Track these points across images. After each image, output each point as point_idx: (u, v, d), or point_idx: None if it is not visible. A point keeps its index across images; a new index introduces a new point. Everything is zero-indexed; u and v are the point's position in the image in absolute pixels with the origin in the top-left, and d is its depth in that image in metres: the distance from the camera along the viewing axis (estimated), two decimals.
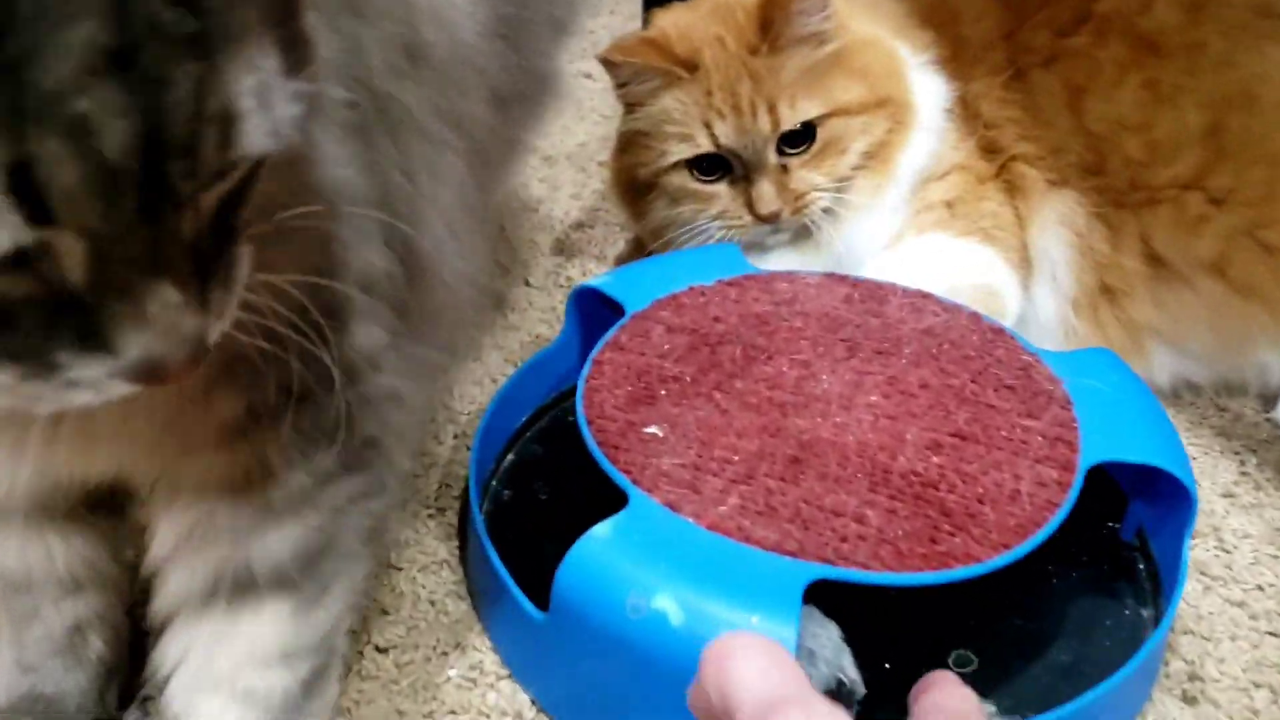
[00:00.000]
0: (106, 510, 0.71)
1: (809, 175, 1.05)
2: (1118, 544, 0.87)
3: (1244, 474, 1.02)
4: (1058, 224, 1.07)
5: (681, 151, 1.04)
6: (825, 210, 1.06)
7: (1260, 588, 0.91)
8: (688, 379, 0.85)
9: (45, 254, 0.41)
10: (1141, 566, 0.86)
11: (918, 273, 1.01)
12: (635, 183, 1.10)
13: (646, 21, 1.47)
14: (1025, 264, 1.08)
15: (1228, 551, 0.94)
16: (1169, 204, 1.02)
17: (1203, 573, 0.92)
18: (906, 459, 0.78)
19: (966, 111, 1.10)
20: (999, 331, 0.91)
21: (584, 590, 0.72)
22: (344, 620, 0.71)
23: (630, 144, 1.10)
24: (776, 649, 0.53)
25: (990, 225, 1.07)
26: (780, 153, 1.04)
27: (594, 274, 1.21)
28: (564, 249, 1.25)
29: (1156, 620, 0.81)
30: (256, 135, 0.43)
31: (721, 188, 1.06)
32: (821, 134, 1.04)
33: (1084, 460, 0.79)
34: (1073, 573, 0.85)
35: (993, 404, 0.83)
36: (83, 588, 0.72)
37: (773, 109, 1.02)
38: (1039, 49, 1.07)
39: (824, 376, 0.85)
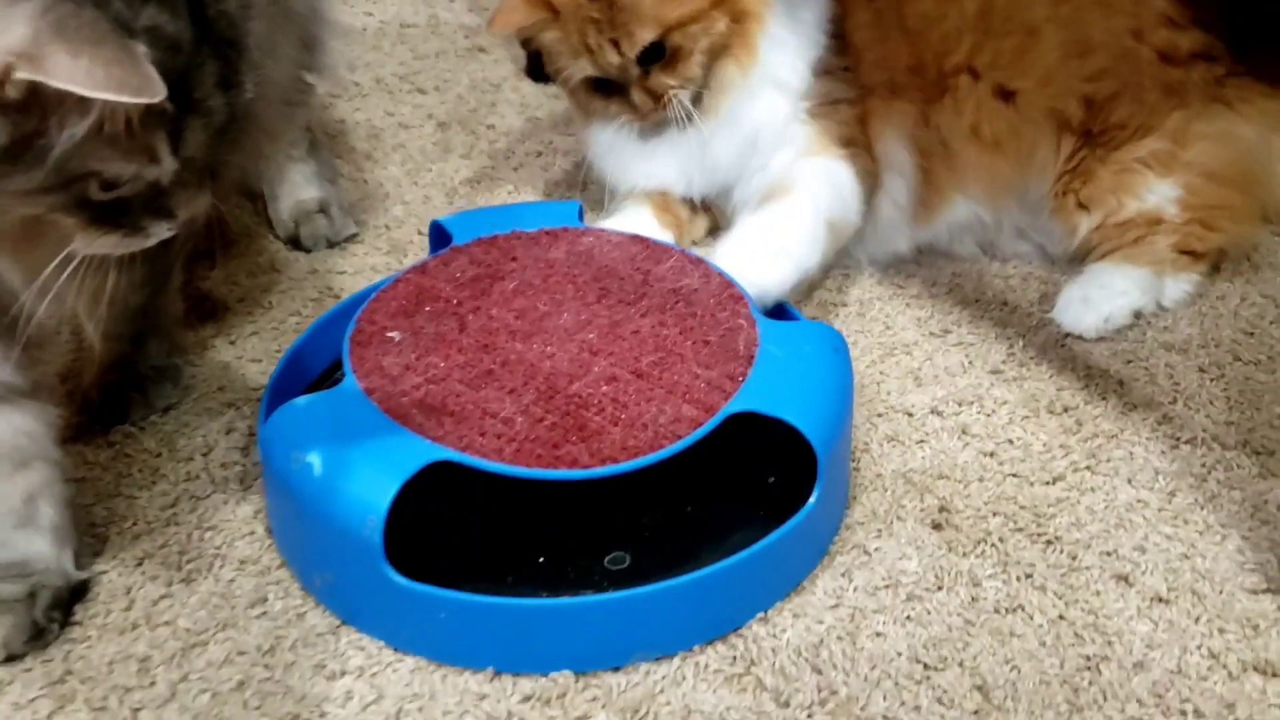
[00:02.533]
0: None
1: (664, 79, 1.23)
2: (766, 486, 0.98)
3: (1011, 354, 1.20)
4: (895, 130, 1.27)
5: (575, 73, 1.24)
6: (695, 101, 1.24)
7: (1010, 441, 1.08)
8: (455, 301, 1.03)
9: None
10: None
11: (813, 181, 1.22)
12: (564, 82, 1.28)
13: None
14: (873, 178, 1.28)
15: (988, 415, 1.11)
16: (950, 91, 1.26)
17: (964, 432, 1.09)
18: (580, 384, 0.93)
19: (847, 41, 1.28)
20: (739, 300, 1.02)
21: (273, 443, 0.91)
22: None
23: (552, 55, 1.26)
24: None
25: (853, 151, 1.26)
26: (642, 66, 1.21)
27: None
28: (454, 202, 1.43)
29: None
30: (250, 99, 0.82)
31: (615, 94, 1.25)
32: (668, 46, 1.21)
33: (728, 408, 0.91)
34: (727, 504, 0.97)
35: (682, 353, 0.96)
36: (28, 463, 0.91)
37: (615, 43, 1.20)
38: None
39: (565, 315, 1.01)
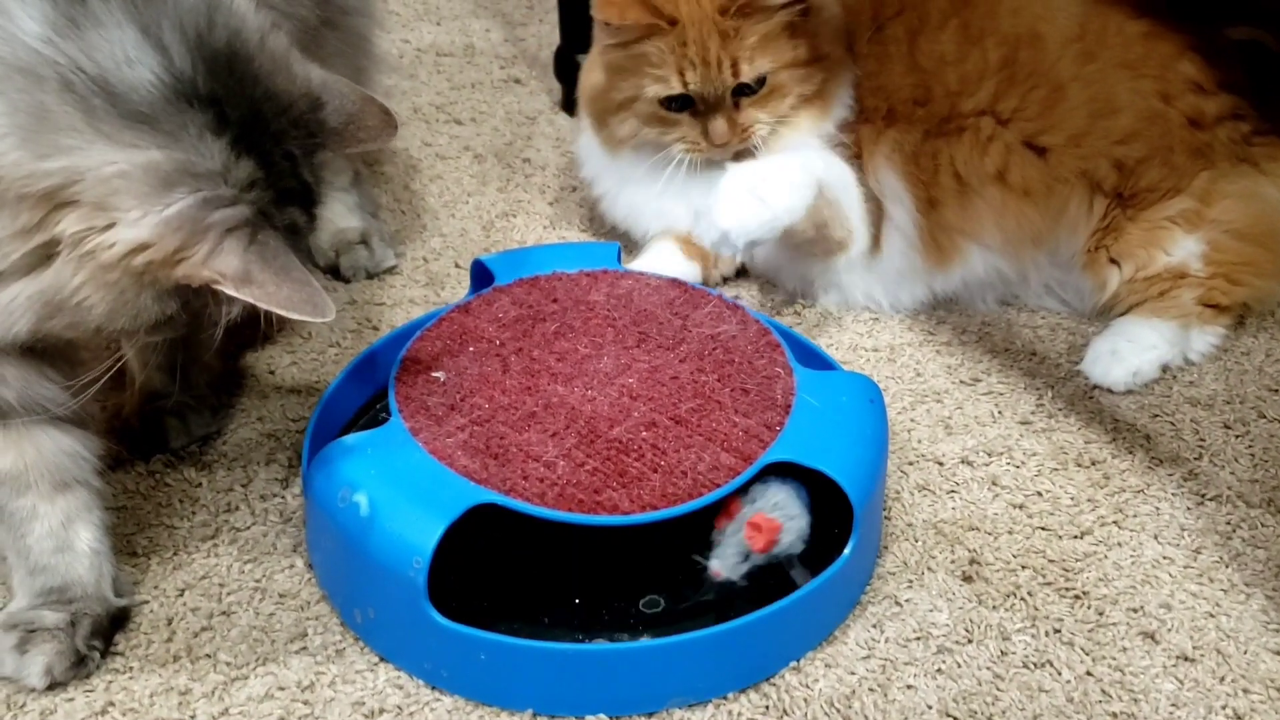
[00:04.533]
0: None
1: (755, 113, 1.27)
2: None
3: (1040, 405, 1.21)
4: (886, 158, 1.29)
5: (656, 90, 1.25)
6: (764, 137, 1.28)
7: (1039, 493, 1.09)
8: (498, 342, 1.04)
9: None
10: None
11: (838, 181, 1.26)
12: (608, 103, 1.31)
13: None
14: (876, 233, 1.30)
15: (1017, 467, 1.12)
16: (969, 130, 1.28)
17: (994, 483, 1.10)
18: (621, 429, 0.95)
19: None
20: (776, 347, 1.04)
21: (319, 480, 0.93)
22: None
23: (610, 73, 1.29)
24: None
25: (866, 193, 1.30)
26: (734, 95, 1.25)
27: None
28: (490, 235, 1.45)
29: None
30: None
31: (684, 117, 1.27)
32: (770, 82, 1.25)
33: (765, 457, 0.92)
34: None
35: (720, 400, 0.98)
36: (69, 485, 0.94)
37: (735, 64, 1.23)
38: (892, 3, 1.30)
39: (605, 359, 1.02)
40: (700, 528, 0.93)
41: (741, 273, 1.37)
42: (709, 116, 1.25)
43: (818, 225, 1.23)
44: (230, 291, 0.77)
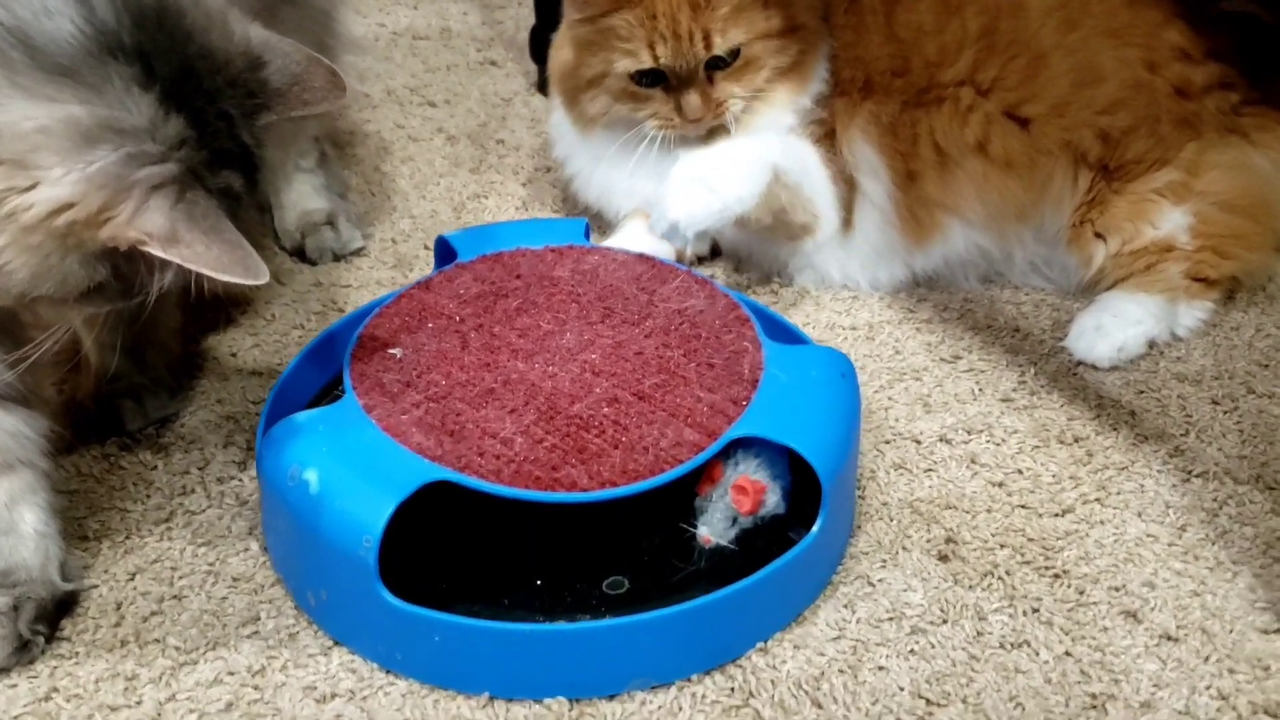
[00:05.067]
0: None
1: (729, 87, 1.24)
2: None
3: (1022, 382, 1.18)
4: (863, 131, 1.26)
5: (626, 65, 1.22)
6: (738, 113, 1.24)
7: (1020, 471, 1.06)
8: (458, 318, 1.01)
9: None
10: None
11: (796, 163, 1.22)
12: (578, 80, 1.27)
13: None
14: (847, 211, 1.27)
15: (997, 444, 1.09)
16: (949, 100, 1.24)
17: (973, 461, 1.07)
18: (582, 405, 0.92)
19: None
20: (744, 322, 1.01)
21: (269, 458, 0.90)
22: None
23: (579, 49, 1.26)
24: None
25: (834, 171, 1.26)
26: (707, 68, 1.21)
27: None
28: (461, 217, 1.42)
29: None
30: None
31: (656, 93, 1.24)
32: (744, 54, 1.22)
33: (730, 433, 0.89)
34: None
35: (685, 376, 0.95)
36: (13, 466, 0.91)
37: (707, 37, 1.20)
38: None
39: (568, 334, 0.99)
40: (678, 499, 0.90)
41: (716, 252, 1.34)
42: (682, 91, 1.22)
43: (774, 212, 1.20)
44: (158, 252, 0.74)
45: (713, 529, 0.89)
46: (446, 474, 0.85)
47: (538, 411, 0.91)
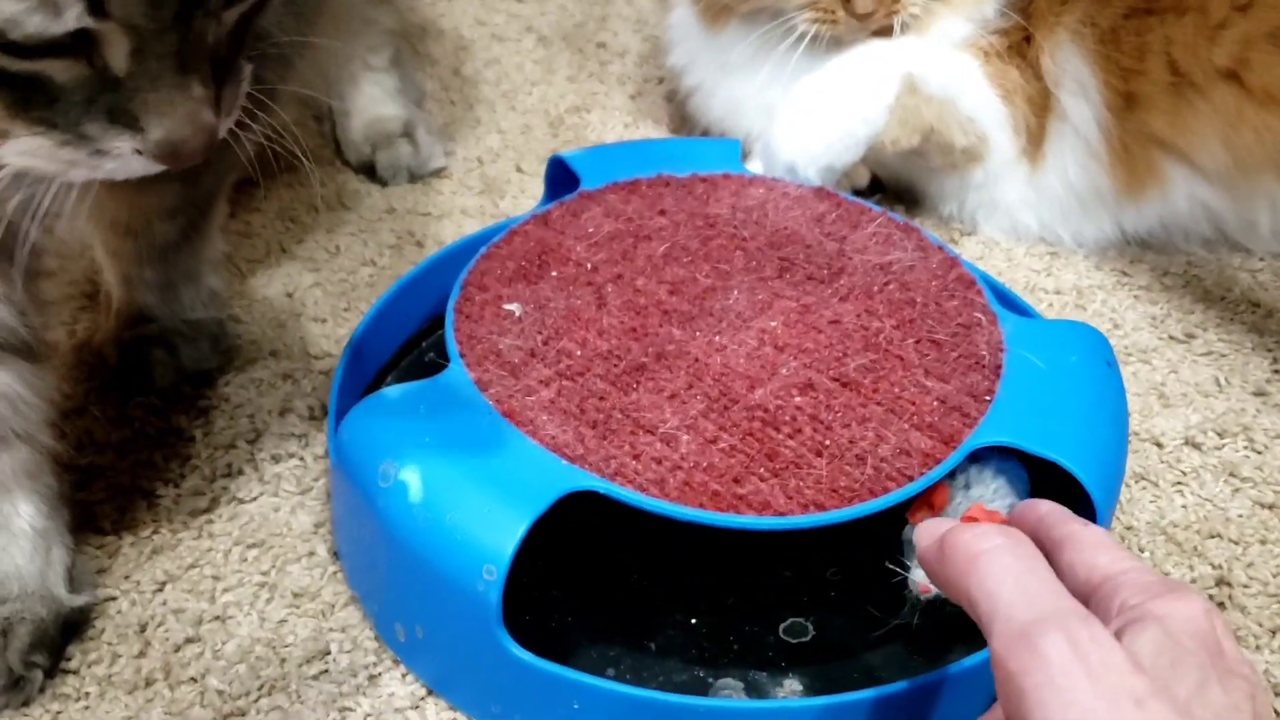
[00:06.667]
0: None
1: None
2: None
3: (1276, 371, 0.94)
4: (1073, 35, 1.00)
5: None
6: (915, 14, 1.00)
7: None
8: (589, 265, 0.78)
9: (94, 43, 0.50)
10: None
11: (942, 72, 1.00)
12: None
13: None
14: (1034, 139, 1.03)
15: (1259, 452, 0.86)
16: (1194, 10, 0.97)
17: (1232, 474, 0.84)
18: (764, 393, 0.68)
19: None
20: (970, 284, 0.77)
21: (354, 448, 0.67)
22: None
23: None
24: (1032, 553, 0.50)
25: (1011, 88, 1.02)
26: None
27: None
28: (558, 134, 1.17)
29: None
30: None
31: None
32: None
33: (973, 439, 0.66)
34: None
35: (902, 355, 0.71)
36: (5, 440, 0.68)
37: None
38: None
39: (735, 292, 0.76)
40: (862, 527, 0.67)
41: (876, 185, 1.10)
42: None
43: (920, 131, 0.98)
44: None
45: None
46: (595, 483, 0.62)
47: (706, 398, 0.68)
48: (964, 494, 0.66)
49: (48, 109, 0.52)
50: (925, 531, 0.55)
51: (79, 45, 0.50)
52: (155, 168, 0.54)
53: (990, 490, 0.67)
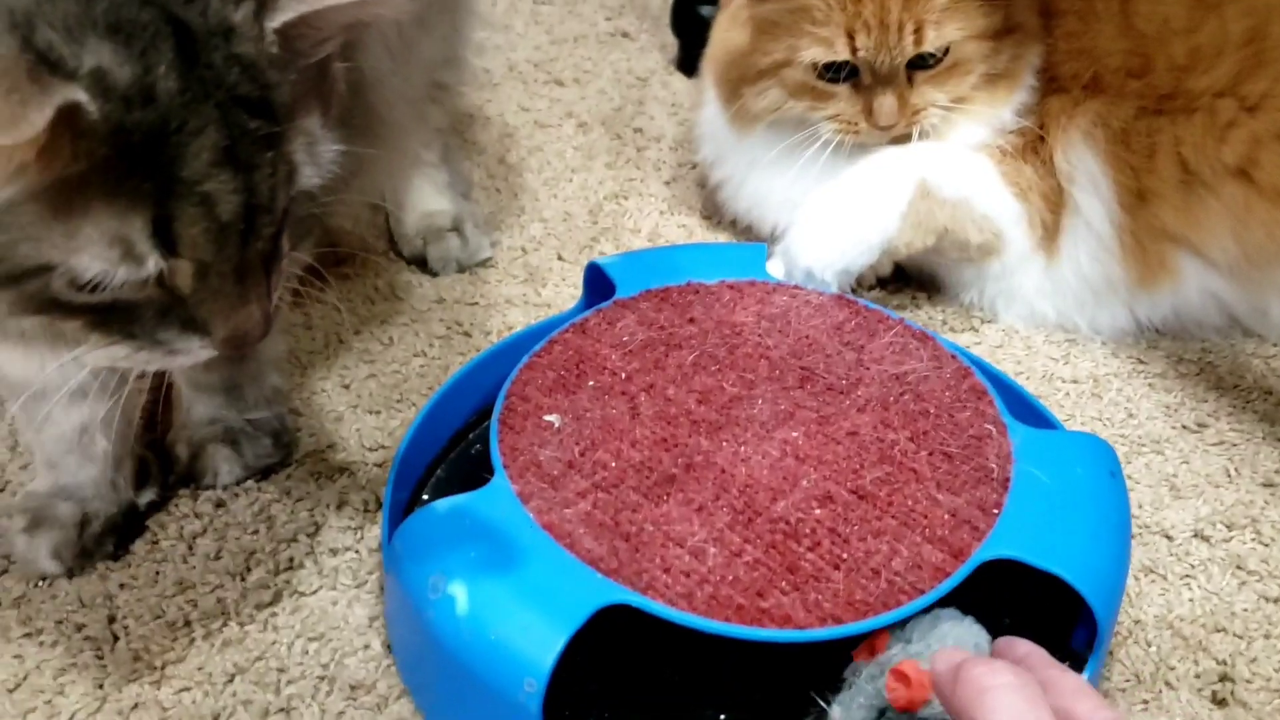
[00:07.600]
0: None
1: (931, 92, 1.06)
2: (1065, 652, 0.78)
3: None
4: (1086, 134, 1.05)
5: (815, 55, 1.03)
6: (935, 124, 1.06)
7: None
8: (623, 375, 0.83)
9: (165, 272, 0.60)
10: None
11: (956, 175, 1.05)
12: (747, 69, 1.09)
13: None
14: (1049, 233, 1.08)
15: (1265, 545, 0.90)
16: (1203, 111, 1.02)
17: (1239, 567, 0.88)
18: (786, 505, 0.74)
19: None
20: (982, 394, 0.82)
21: (406, 559, 0.73)
22: None
23: (757, 31, 1.07)
24: (1036, 694, 0.55)
25: (1025, 186, 1.07)
26: (909, 68, 1.03)
27: (630, 248, 1.20)
28: (598, 221, 1.23)
29: None
30: (307, 177, 0.64)
31: (843, 90, 1.05)
32: (953, 54, 1.03)
33: (982, 553, 0.71)
34: None
35: (915, 468, 0.76)
36: (87, 395, 0.79)
37: (919, 30, 1.01)
38: None
39: (760, 402, 0.81)
40: (831, 654, 0.70)
41: (900, 274, 1.15)
42: (875, 91, 1.03)
43: (935, 233, 1.03)
44: None
45: (847, 712, 0.67)
46: (628, 596, 0.68)
47: (732, 510, 0.74)
48: (902, 648, 0.68)
49: (124, 325, 0.62)
50: (942, 658, 0.60)
51: (154, 278, 0.60)
52: (211, 353, 0.65)
53: (928, 649, 0.67)
